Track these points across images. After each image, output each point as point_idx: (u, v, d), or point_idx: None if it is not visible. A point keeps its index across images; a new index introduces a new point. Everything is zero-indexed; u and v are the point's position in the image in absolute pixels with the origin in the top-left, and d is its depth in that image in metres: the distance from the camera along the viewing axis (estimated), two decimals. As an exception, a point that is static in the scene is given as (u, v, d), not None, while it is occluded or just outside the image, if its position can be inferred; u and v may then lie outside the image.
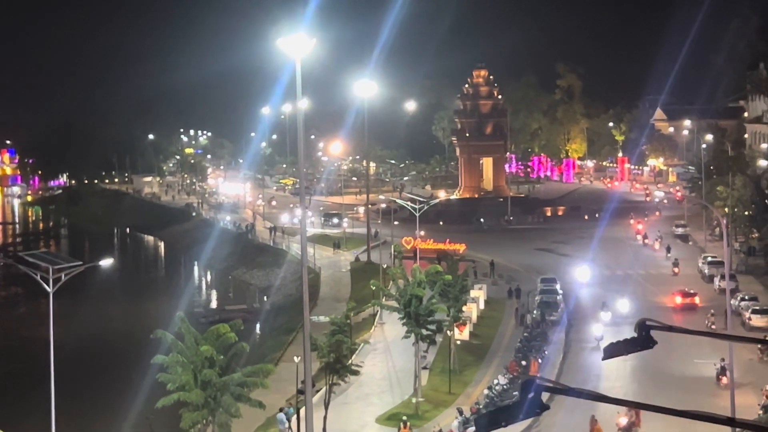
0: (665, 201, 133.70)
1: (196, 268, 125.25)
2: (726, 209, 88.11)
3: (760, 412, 45.81)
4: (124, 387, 59.83)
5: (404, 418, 47.80)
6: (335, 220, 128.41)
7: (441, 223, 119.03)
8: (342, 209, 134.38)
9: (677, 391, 50.45)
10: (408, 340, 54.44)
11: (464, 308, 63.29)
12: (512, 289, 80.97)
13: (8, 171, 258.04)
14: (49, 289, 40.51)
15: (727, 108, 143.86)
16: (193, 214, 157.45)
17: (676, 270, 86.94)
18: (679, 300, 73.25)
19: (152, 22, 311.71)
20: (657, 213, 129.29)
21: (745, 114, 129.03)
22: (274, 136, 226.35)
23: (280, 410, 49.19)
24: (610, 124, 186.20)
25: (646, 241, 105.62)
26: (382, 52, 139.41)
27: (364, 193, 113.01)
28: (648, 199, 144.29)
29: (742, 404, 43.69)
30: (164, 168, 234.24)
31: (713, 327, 63.93)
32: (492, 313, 74.30)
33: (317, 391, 51.27)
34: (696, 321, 67.51)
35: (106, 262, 56.62)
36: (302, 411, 42.13)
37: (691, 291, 74.74)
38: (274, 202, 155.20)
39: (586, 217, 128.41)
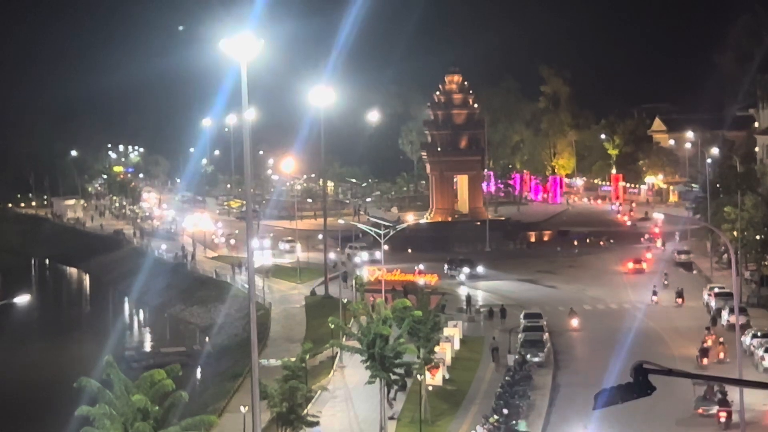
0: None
1: (126, 305, 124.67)
2: (735, 233, 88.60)
3: None
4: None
5: None
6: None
7: (409, 250, 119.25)
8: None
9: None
10: (372, 386, 54.43)
11: (437, 349, 63.35)
12: (491, 310, 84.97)
13: None
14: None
15: (735, 117, 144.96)
16: (126, 242, 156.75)
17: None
18: (630, 266, 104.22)
19: (73, 17, 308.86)
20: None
21: (756, 124, 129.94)
22: (217, 152, 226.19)
23: None
24: (602, 136, 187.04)
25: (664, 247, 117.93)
26: (341, 54, 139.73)
27: (321, 217, 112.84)
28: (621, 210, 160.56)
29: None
30: (90, 189, 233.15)
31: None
32: (469, 354, 74.38)
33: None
34: (645, 283, 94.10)
35: (22, 299, 56.40)
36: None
37: (640, 258, 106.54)
38: (233, 240, 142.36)
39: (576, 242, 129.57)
